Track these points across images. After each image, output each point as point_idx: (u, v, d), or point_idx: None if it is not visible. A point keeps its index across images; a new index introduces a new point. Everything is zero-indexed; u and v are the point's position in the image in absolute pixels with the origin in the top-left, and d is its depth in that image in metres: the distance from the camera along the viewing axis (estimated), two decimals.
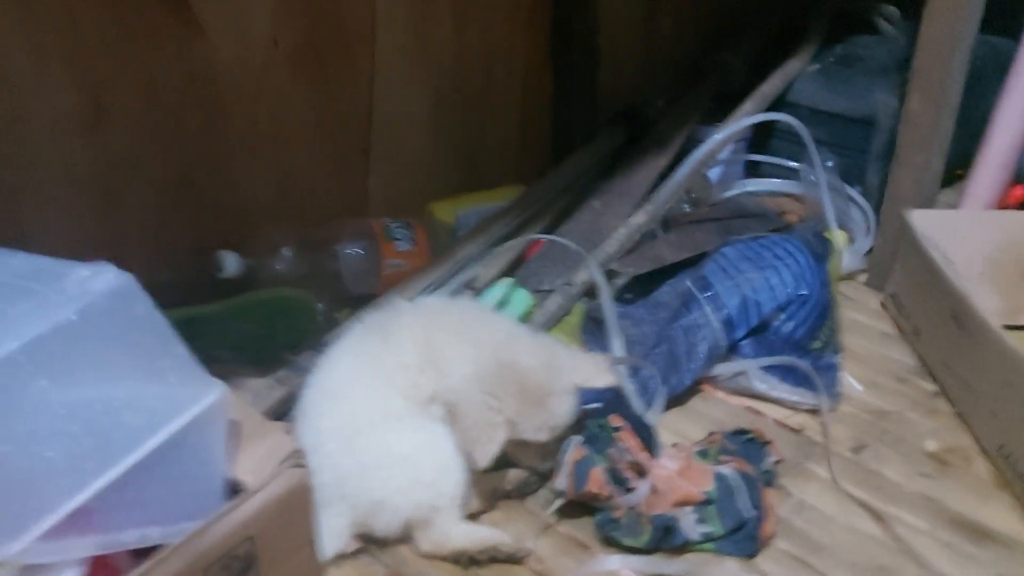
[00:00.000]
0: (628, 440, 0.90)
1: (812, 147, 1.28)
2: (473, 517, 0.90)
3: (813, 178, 1.31)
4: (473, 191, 1.36)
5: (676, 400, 1.06)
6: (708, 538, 0.87)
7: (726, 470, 0.90)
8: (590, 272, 1.12)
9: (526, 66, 1.43)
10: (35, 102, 0.96)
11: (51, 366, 0.51)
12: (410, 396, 0.89)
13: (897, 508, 0.93)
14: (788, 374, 1.06)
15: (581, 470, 0.87)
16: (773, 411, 1.06)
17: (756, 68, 1.48)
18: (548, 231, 1.26)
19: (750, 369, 1.06)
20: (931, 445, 1.01)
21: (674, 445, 0.97)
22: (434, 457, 0.86)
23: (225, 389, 0.61)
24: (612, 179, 1.35)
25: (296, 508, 0.65)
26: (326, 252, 1.16)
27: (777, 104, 1.41)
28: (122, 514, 0.56)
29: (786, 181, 1.41)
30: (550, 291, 1.15)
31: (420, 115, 1.32)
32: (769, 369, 1.06)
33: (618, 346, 1.05)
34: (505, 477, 0.92)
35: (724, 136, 1.28)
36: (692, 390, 1.08)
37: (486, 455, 0.84)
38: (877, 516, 0.91)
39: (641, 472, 0.89)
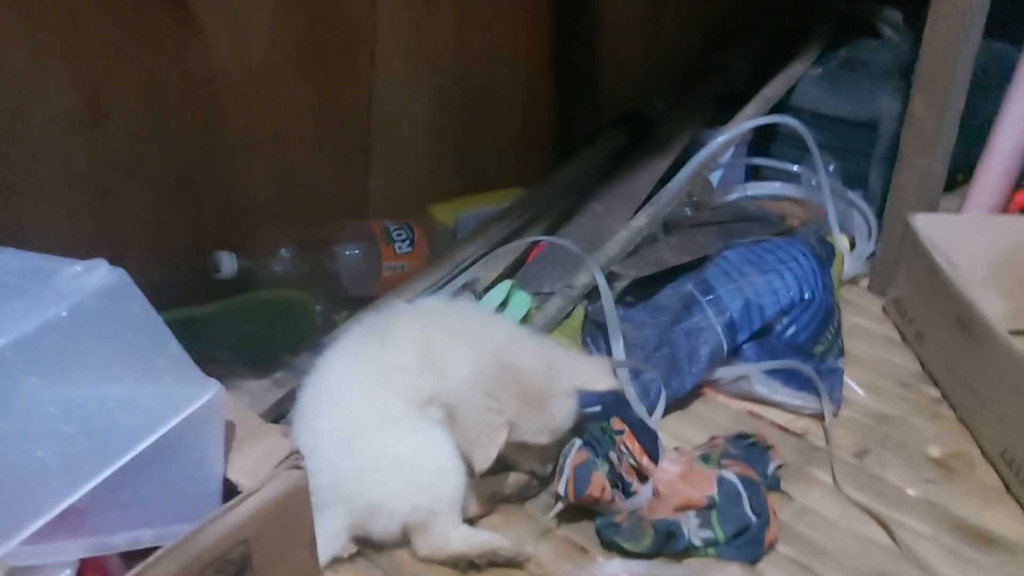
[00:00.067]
0: (630, 444, 0.89)
1: (815, 151, 1.27)
2: (472, 521, 0.89)
3: (815, 182, 1.30)
4: (473, 193, 1.36)
5: (677, 404, 1.05)
6: (710, 543, 0.86)
7: (728, 474, 0.89)
8: (591, 275, 1.11)
9: (528, 67, 1.43)
10: (34, 101, 0.96)
11: (42, 364, 0.51)
12: (409, 398, 0.88)
13: (900, 513, 0.92)
14: (790, 378, 1.05)
15: (582, 474, 0.87)
16: (775, 415, 1.06)
17: (759, 71, 1.47)
18: (549, 233, 1.26)
19: (752, 373, 1.05)
20: (934, 450, 1.00)
21: (676, 449, 0.96)
22: (432, 460, 0.85)
23: (221, 389, 0.60)
24: (613, 181, 1.34)
25: (292, 511, 0.64)
26: (325, 253, 1.16)
27: (779, 108, 1.40)
28: (115, 516, 0.55)
29: (787, 185, 1.40)
30: (550, 294, 1.14)
31: (421, 115, 1.31)
32: (771, 373, 1.05)
33: (619, 349, 1.04)
34: (505, 481, 0.91)
35: (726, 139, 1.28)
36: (694, 394, 1.07)
37: (486, 457, 0.83)
38: (880, 521, 0.91)
39: (643, 476, 0.88)
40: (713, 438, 0.98)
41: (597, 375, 0.92)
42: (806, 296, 1.07)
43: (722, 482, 0.88)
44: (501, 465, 0.88)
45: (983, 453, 1.00)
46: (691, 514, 0.87)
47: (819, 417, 1.04)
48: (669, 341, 1.05)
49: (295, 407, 0.91)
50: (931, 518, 0.92)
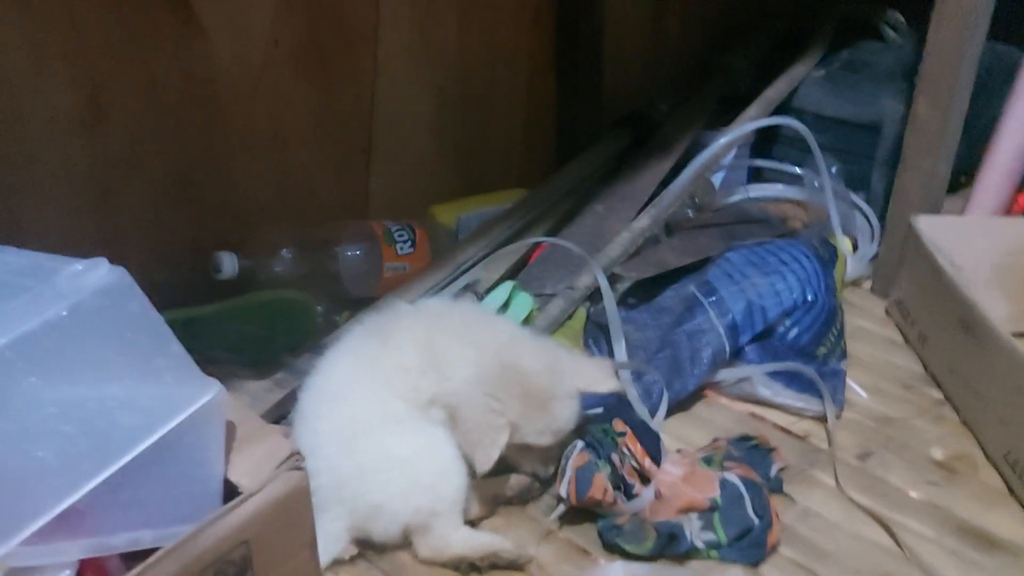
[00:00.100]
0: (632, 445, 0.89)
1: (818, 152, 1.27)
2: (473, 523, 0.89)
3: (817, 184, 1.30)
4: (475, 193, 1.36)
5: (679, 406, 1.05)
6: (712, 545, 0.85)
7: (731, 477, 0.88)
8: (593, 276, 1.11)
9: (530, 67, 1.43)
10: (34, 101, 0.95)
11: (42, 363, 0.50)
12: (410, 399, 0.88)
13: (903, 516, 0.92)
14: (793, 380, 1.05)
15: (584, 476, 0.86)
16: (777, 417, 1.05)
17: (761, 72, 1.47)
18: (551, 234, 1.25)
19: (755, 375, 1.05)
20: (937, 453, 1.00)
21: (678, 451, 0.95)
22: (434, 461, 0.85)
23: (222, 389, 0.60)
24: (615, 183, 1.34)
25: (293, 512, 0.63)
26: (326, 254, 1.16)
27: (782, 109, 1.40)
28: (115, 516, 0.54)
29: (790, 187, 1.40)
30: (552, 295, 1.13)
31: (423, 115, 1.31)
32: (774, 375, 1.05)
33: (621, 351, 1.04)
34: (506, 483, 0.91)
35: (728, 141, 1.27)
36: (696, 396, 1.07)
37: (488, 458, 0.83)
38: (883, 524, 0.90)
39: (645, 478, 0.88)
40: (715, 440, 0.98)
41: (599, 376, 0.92)
42: (809, 298, 1.07)
43: (724, 484, 0.88)
44: (503, 467, 0.87)
45: (986, 455, 0.99)
46: (693, 516, 0.87)
47: (821, 419, 1.04)
48: (671, 343, 1.05)
49: (296, 408, 0.90)
50: (934, 520, 0.91)
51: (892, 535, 0.89)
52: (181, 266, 1.09)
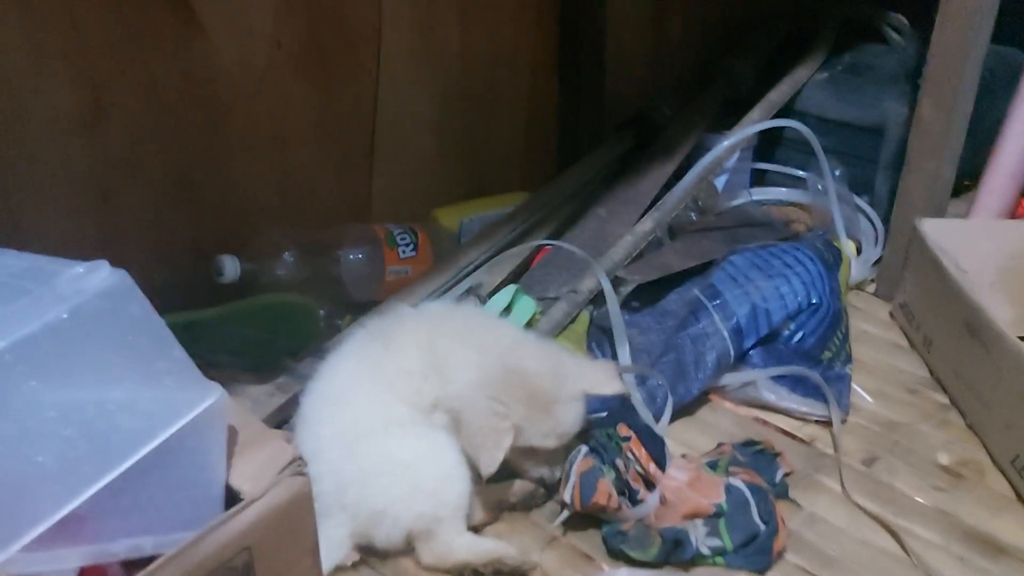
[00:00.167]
0: (637, 450, 0.88)
1: (821, 155, 1.27)
2: (477, 529, 0.88)
3: (821, 187, 1.30)
4: (477, 196, 1.35)
5: (684, 410, 1.04)
6: (718, 552, 0.85)
7: (736, 482, 0.88)
8: (596, 279, 1.10)
9: (532, 68, 1.42)
10: (34, 101, 0.95)
11: (42, 366, 0.50)
12: (413, 403, 0.87)
13: (909, 521, 0.91)
14: (798, 384, 1.04)
15: (588, 481, 0.86)
16: (782, 422, 1.05)
17: (764, 75, 1.47)
18: (553, 238, 1.25)
19: (759, 379, 1.04)
20: (943, 458, 0.99)
21: (683, 456, 0.95)
22: (436, 466, 0.84)
23: (224, 393, 0.59)
24: (618, 186, 1.34)
25: (296, 518, 0.63)
26: (328, 257, 1.15)
27: (784, 112, 1.40)
28: (115, 522, 0.54)
29: (793, 190, 1.40)
30: (555, 298, 1.13)
31: (425, 117, 1.31)
32: (779, 379, 1.04)
33: (625, 355, 1.03)
34: (510, 488, 0.90)
35: (731, 143, 1.27)
36: (700, 400, 1.06)
37: (492, 461, 0.82)
38: (889, 529, 0.90)
39: (650, 483, 0.87)
40: (720, 445, 0.97)
41: (603, 379, 0.92)
42: (813, 301, 1.07)
43: (730, 490, 0.87)
44: (506, 472, 0.87)
45: (993, 460, 0.99)
46: (699, 522, 0.86)
47: (827, 424, 1.03)
48: (675, 347, 1.04)
49: (298, 412, 0.90)
50: (941, 526, 0.91)
51: (899, 541, 0.88)
52: (182, 268, 1.09)
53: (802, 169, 1.37)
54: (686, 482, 0.87)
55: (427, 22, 1.26)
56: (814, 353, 1.06)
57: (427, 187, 1.34)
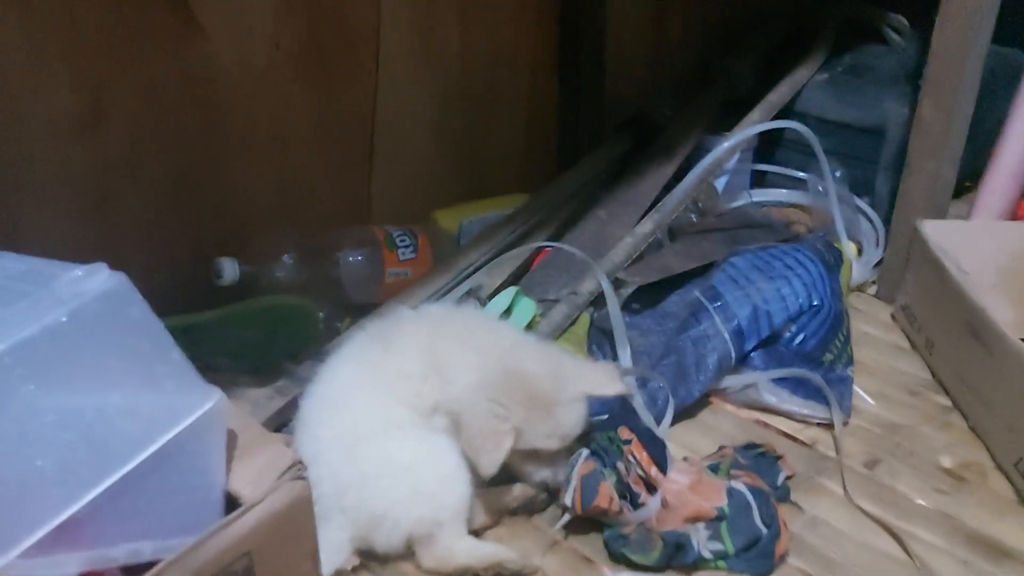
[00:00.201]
0: (638, 453, 0.88)
1: (822, 156, 1.26)
2: (478, 533, 0.87)
3: (821, 188, 1.29)
4: (477, 198, 1.35)
5: (685, 412, 1.04)
6: (720, 555, 0.84)
7: (738, 485, 0.87)
8: (596, 281, 1.10)
9: (532, 68, 1.42)
10: (33, 102, 0.94)
11: (41, 370, 0.49)
12: (413, 405, 0.87)
13: (912, 524, 0.91)
14: (799, 387, 1.04)
15: (589, 484, 0.85)
16: (784, 425, 1.04)
17: (764, 76, 1.46)
18: (553, 239, 1.24)
19: (760, 381, 1.04)
20: (946, 460, 0.99)
21: (684, 459, 0.94)
22: (436, 469, 0.84)
23: (223, 397, 0.59)
24: (618, 187, 1.33)
25: (296, 522, 0.62)
26: (327, 259, 1.15)
27: (784, 113, 1.39)
28: (114, 527, 0.53)
29: (793, 191, 1.39)
30: (556, 300, 1.13)
31: (424, 118, 1.30)
32: (780, 382, 1.04)
33: (625, 357, 1.03)
34: (511, 492, 0.89)
35: (731, 144, 1.27)
36: (701, 402, 1.06)
37: (492, 463, 0.82)
38: (892, 532, 0.89)
39: (651, 486, 0.87)
40: (722, 448, 0.97)
41: (604, 380, 0.91)
42: (815, 303, 1.06)
43: (732, 493, 0.87)
44: (507, 476, 0.86)
45: (995, 463, 0.98)
46: (700, 526, 0.85)
47: (828, 426, 1.03)
48: (676, 349, 1.04)
49: (297, 415, 0.89)
50: (943, 529, 0.90)
51: (901, 544, 0.88)
52: (181, 270, 1.08)
53: (802, 170, 1.36)
54: (687, 485, 0.87)
55: (427, 22, 1.25)
56: (815, 355, 1.05)
57: (427, 188, 1.33)
